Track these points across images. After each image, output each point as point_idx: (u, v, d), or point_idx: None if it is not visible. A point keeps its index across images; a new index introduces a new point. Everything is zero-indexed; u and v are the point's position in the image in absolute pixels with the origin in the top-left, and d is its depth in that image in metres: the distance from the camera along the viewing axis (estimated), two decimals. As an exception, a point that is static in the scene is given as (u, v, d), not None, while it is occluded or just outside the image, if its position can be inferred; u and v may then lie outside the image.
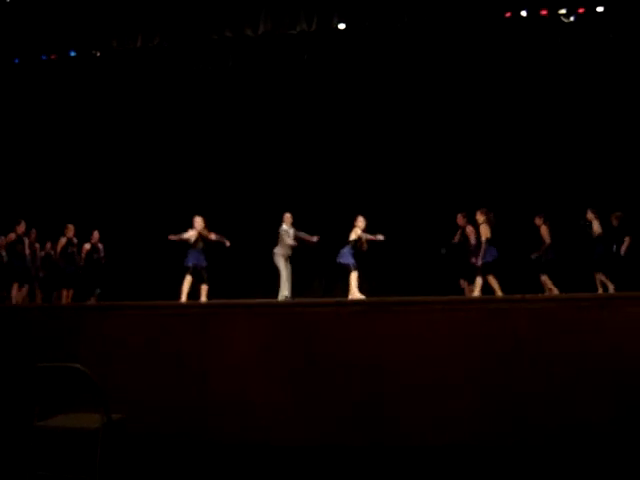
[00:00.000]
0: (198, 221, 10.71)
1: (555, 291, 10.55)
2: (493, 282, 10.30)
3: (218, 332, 6.86)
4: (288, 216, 11.20)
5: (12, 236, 11.15)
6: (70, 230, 11.80)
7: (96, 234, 12.09)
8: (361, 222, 10.72)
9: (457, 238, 11.17)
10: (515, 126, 12.25)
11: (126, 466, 5.29)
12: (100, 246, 12.13)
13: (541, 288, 10.80)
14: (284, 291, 10.83)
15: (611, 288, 10.33)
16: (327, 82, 12.84)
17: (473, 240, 10.71)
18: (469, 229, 10.85)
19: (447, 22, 10.80)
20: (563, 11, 10.99)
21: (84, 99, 13.51)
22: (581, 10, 10.95)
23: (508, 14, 10.90)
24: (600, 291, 10.39)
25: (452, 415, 6.20)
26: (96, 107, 13.67)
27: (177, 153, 13.53)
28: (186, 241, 10.62)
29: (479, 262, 10.34)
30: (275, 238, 11.12)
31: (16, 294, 11.02)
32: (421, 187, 12.54)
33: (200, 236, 10.66)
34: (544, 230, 10.89)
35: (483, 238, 10.34)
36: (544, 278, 10.80)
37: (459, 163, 12.43)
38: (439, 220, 11.68)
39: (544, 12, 10.97)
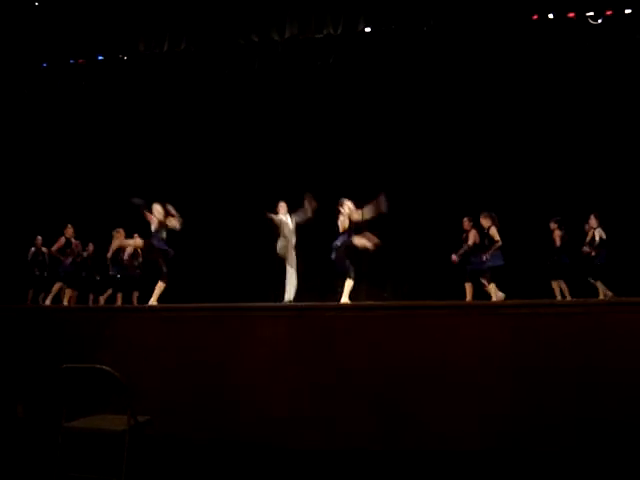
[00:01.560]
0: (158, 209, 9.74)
1: (568, 296, 10.52)
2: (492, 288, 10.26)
3: (239, 334, 6.91)
4: (283, 205, 10.53)
5: (62, 240, 11.31)
6: (121, 234, 11.91)
7: (136, 237, 12.15)
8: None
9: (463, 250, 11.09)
10: (536, 129, 12.16)
11: (150, 467, 5.33)
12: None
13: (551, 293, 10.81)
14: (289, 294, 10.26)
15: (609, 295, 10.24)
16: (352, 85, 12.82)
17: (472, 244, 10.63)
18: (472, 233, 10.77)
19: (473, 25, 10.73)
20: (591, 13, 10.89)
21: (111, 103, 13.62)
22: (609, 12, 10.83)
23: (535, 17, 10.82)
24: (602, 297, 10.28)
25: (476, 420, 6.18)
26: (123, 111, 13.79)
27: (203, 156, 13.60)
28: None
29: (488, 264, 10.28)
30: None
31: (53, 296, 11.18)
32: (431, 190, 12.50)
33: (161, 225, 9.70)
34: (557, 234, 10.90)
35: (498, 242, 10.24)
36: (556, 284, 10.81)
37: (476, 165, 12.36)
38: (446, 224, 11.58)
39: (571, 15, 10.87)
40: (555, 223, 10.96)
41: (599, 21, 10.95)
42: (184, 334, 7.04)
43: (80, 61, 12.21)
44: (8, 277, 11.98)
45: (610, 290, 10.28)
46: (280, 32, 10.42)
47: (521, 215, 11.57)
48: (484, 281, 10.28)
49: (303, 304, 9.04)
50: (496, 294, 10.01)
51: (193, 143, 13.70)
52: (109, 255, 11.86)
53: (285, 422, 6.49)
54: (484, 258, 10.33)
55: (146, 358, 6.92)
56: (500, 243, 10.13)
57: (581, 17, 10.92)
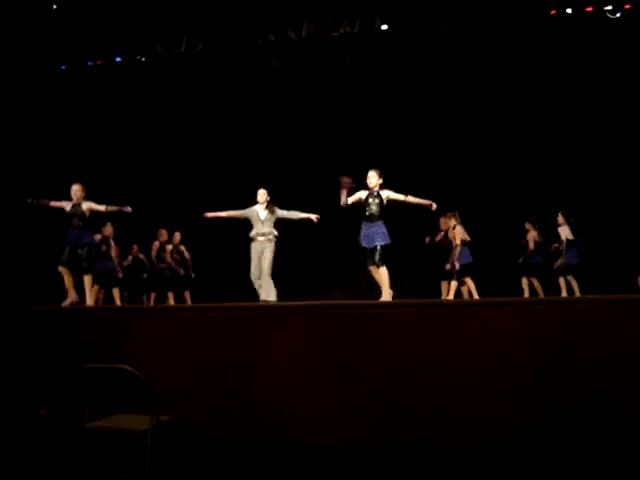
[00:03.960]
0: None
1: (541, 294, 10.75)
2: (471, 284, 10.25)
3: (264, 333, 6.89)
4: (262, 192, 9.78)
5: (98, 237, 10.88)
6: (163, 235, 11.97)
7: (177, 235, 12.21)
8: None
9: (439, 239, 11.14)
10: (554, 126, 12.22)
11: (173, 468, 5.35)
12: (182, 247, 12.24)
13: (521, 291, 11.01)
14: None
15: (577, 292, 10.33)
16: (370, 84, 12.84)
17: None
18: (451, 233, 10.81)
19: (491, 22, 10.68)
20: (609, 7, 10.79)
21: (129, 104, 13.74)
22: (628, 6, 10.72)
23: (553, 12, 10.75)
24: (564, 294, 10.43)
25: (503, 416, 6.15)
26: (141, 112, 13.90)
27: (222, 156, 13.67)
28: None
29: (455, 264, 10.31)
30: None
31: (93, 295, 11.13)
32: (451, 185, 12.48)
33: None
34: (531, 235, 11.05)
35: (458, 241, 10.31)
36: (527, 281, 11.04)
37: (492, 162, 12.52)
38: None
39: (589, 9, 10.78)
40: (530, 223, 11.04)
41: (618, 15, 10.85)
42: (203, 334, 7.05)
43: (98, 63, 12.26)
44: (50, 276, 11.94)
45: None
46: (297, 31, 10.42)
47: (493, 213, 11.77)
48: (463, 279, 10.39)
49: (326, 302, 9.03)
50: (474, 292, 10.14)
51: (212, 143, 13.79)
52: (154, 255, 11.91)
53: (307, 422, 6.49)
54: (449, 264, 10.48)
55: (165, 358, 6.93)
56: (458, 246, 10.21)
57: (599, 11, 10.83)
